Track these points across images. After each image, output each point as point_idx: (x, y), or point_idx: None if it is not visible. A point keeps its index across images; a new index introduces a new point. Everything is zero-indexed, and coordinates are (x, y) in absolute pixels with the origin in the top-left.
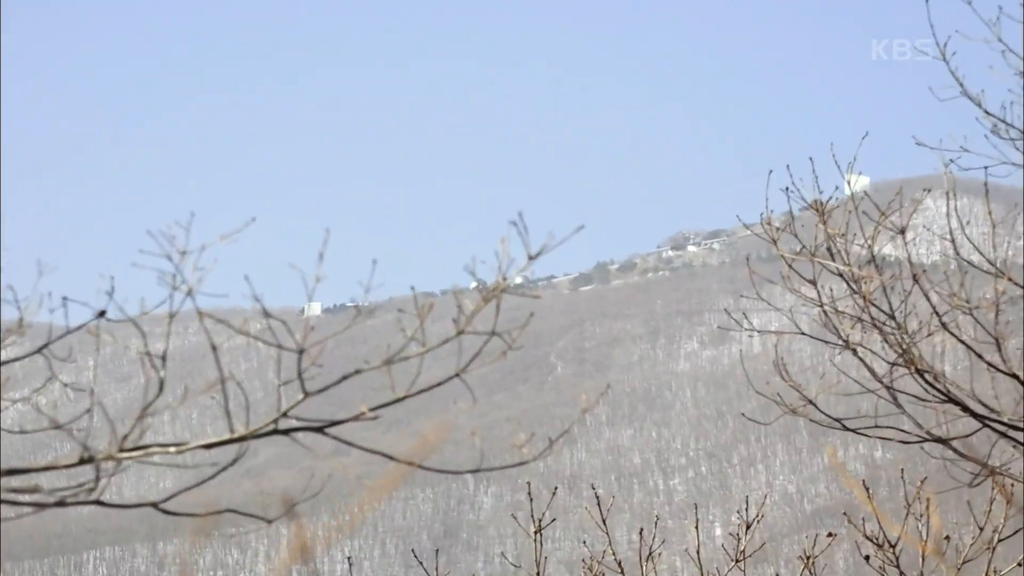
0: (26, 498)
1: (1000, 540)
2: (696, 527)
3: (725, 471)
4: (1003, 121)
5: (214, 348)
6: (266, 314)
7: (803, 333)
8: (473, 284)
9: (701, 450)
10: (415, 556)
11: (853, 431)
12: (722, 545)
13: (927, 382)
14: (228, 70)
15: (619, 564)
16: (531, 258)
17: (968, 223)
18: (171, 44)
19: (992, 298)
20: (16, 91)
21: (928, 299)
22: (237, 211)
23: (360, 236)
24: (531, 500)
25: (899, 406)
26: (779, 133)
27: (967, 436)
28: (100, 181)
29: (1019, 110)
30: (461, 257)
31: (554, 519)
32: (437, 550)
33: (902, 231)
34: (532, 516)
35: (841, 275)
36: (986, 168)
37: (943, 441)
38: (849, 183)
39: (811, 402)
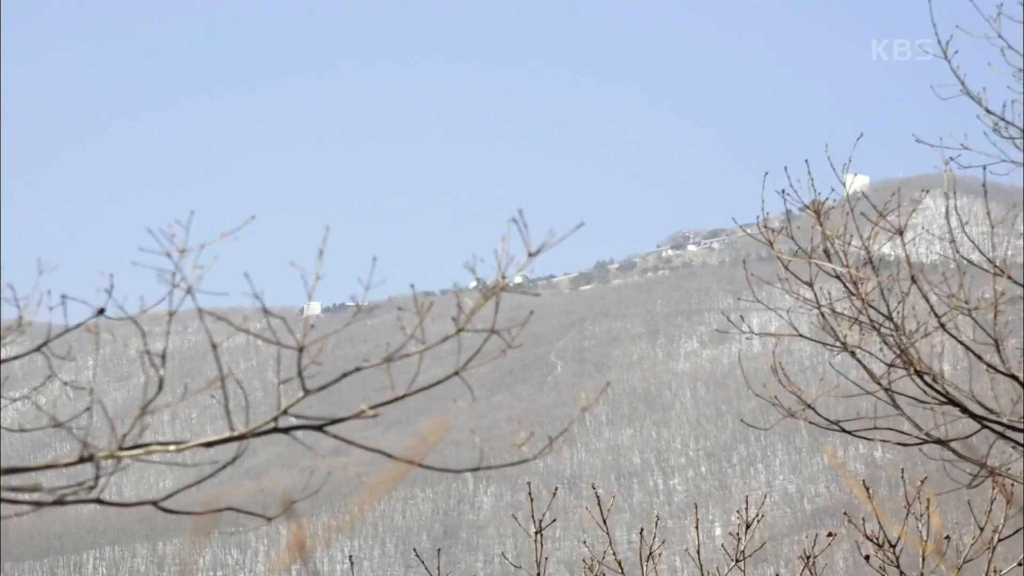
0: (26, 497)
1: (1000, 540)
2: (696, 527)
3: (725, 471)
4: (1003, 119)
5: (214, 346)
6: (266, 312)
7: (800, 335)
8: (473, 283)
9: (701, 450)
10: (416, 555)
11: (852, 434)
12: (722, 545)
13: (926, 383)
14: (229, 68)
15: (619, 564)
16: (531, 255)
17: (967, 222)
18: (171, 41)
19: (991, 298)
20: (16, 88)
21: (927, 300)
22: (237, 209)
23: (360, 234)
24: (531, 500)
25: (898, 408)
26: (779, 132)
27: (966, 437)
28: (100, 179)
29: (1019, 108)
30: (461, 256)
31: (555, 519)
32: (439, 549)
33: (900, 232)
34: (532, 516)
35: (838, 276)
36: (985, 167)
37: (942, 442)
38: (845, 184)
39: (810, 406)
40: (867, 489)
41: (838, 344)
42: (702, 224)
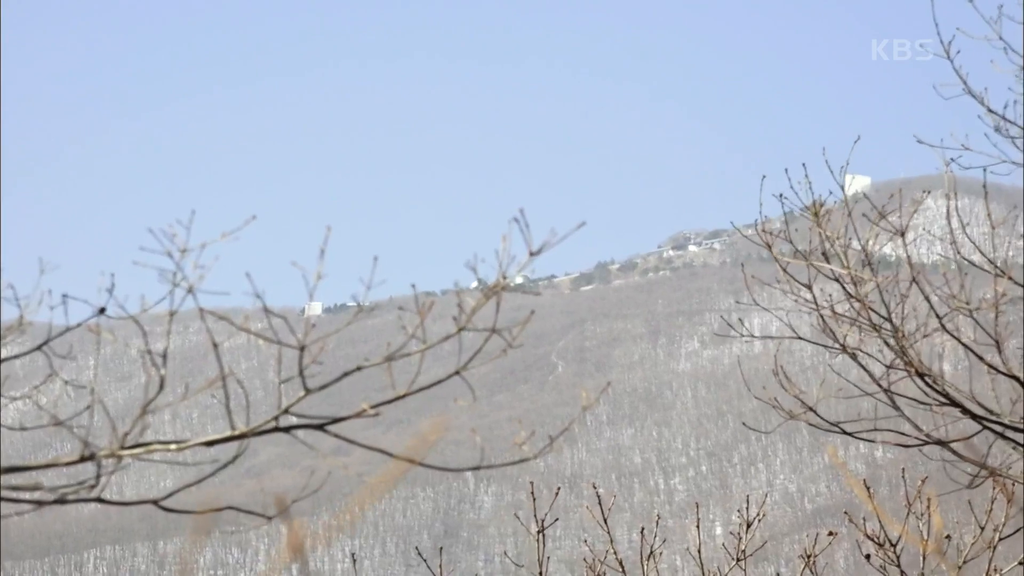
0: (27, 496)
1: (1001, 539)
2: (697, 526)
3: (725, 470)
4: (1005, 118)
5: (215, 346)
6: (267, 312)
7: (800, 338)
8: (474, 283)
9: (702, 449)
10: (418, 553)
11: (852, 435)
12: (723, 544)
13: (927, 384)
14: (229, 67)
15: (620, 564)
16: (532, 254)
17: (968, 223)
18: (172, 40)
19: (992, 299)
20: (16, 87)
21: (928, 301)
22: (238, 209)
23: (361, 234)
24: (534, 500)
25: (898, 409)
26: (781, 132)
27: (967, 439)
28: (101, 178)
29: (1020, 109)
30: (462, 255)
31: (557, 519)
32: (441, 548)
33: (902, 233)
34: (535, 515)
35: (837, 279)
36: (985, 168)
37: (943, 443)
38: (843, 187)
39: (811, 409)
40: (868, 488)
41: (837, 346)
42: (703, 224)
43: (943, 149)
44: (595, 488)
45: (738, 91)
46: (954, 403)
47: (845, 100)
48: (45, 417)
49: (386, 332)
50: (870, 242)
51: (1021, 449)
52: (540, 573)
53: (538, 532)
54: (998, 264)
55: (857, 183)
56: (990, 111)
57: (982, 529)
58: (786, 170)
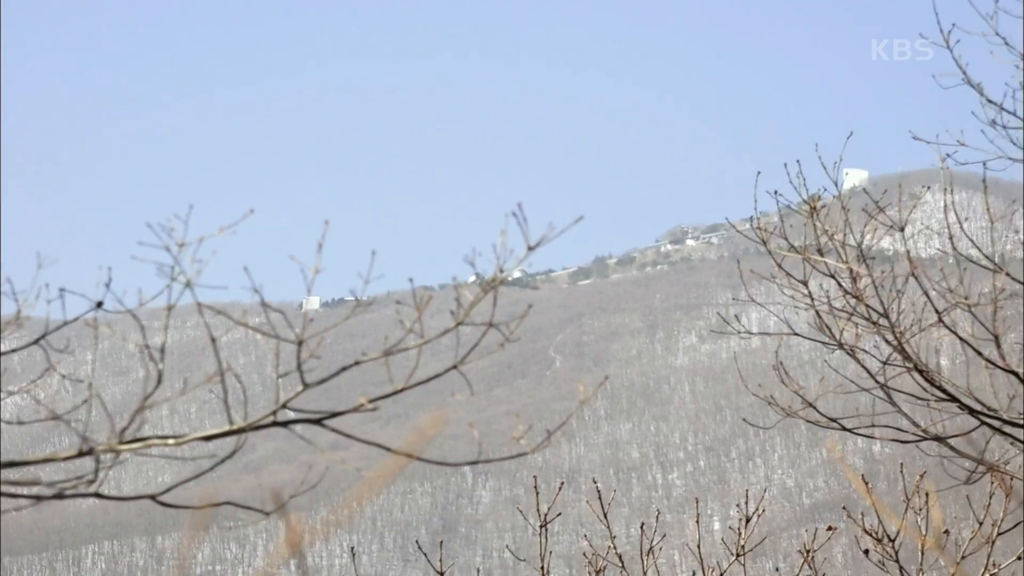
0: (25, 490)
1: (1000, 534)
2: (696, 521)
3: (724, 465)
4: (1003, 109)
5: (213, 341)
6: (265, 306)
7: (796, 334)
8: (472, 278)
9: (700, 444)
10: (419, 548)
11: (850, 431)
12: (722, 539)
13: (925, 379)
14: (227, 62)
15: (619, 558)
16: (530, 248)
17: (967, 218)
18: (170, 37)
19: (990, 293)
20: (15, 84)
21: (928, 296)
22: (236, 203)
23: (359, 229)
24: (536, 494)
25: (895, 405)
26: (779, 127)
27: (965, 434)
28: (98, 173)
29: (1018, 103)
30: (460, 250)
31: (559, 513)
32: (441, 542)
33: (901, 227)
34: (537, 510)
35: (832, 275)
36: (984, 163)
37: (941, 439)
38: (836, 182)
39: (811, 405)
40: (866, 483)
41: (834, 342)
42: (701, 219)
43: (939, 145)
44: (595, 483)
45: (737, 86)
46: (952, 398)
47: (845, 94)
48: (43, 411)
49: (384, 327)
50: (867, 237)
51: (1019, 444)
52: (542, 568)
53: (540, 527)
54: (996, 259)
55: (855, 177)
56: (989, 101)
57: (980, 524)
58: (784, 165)
